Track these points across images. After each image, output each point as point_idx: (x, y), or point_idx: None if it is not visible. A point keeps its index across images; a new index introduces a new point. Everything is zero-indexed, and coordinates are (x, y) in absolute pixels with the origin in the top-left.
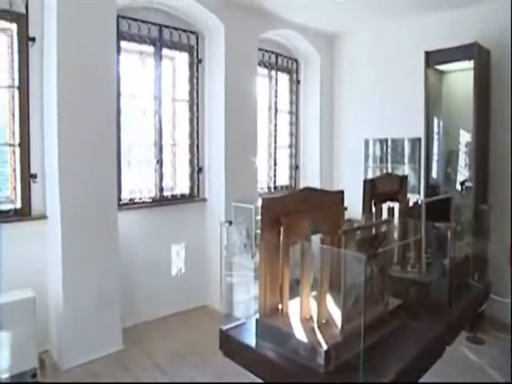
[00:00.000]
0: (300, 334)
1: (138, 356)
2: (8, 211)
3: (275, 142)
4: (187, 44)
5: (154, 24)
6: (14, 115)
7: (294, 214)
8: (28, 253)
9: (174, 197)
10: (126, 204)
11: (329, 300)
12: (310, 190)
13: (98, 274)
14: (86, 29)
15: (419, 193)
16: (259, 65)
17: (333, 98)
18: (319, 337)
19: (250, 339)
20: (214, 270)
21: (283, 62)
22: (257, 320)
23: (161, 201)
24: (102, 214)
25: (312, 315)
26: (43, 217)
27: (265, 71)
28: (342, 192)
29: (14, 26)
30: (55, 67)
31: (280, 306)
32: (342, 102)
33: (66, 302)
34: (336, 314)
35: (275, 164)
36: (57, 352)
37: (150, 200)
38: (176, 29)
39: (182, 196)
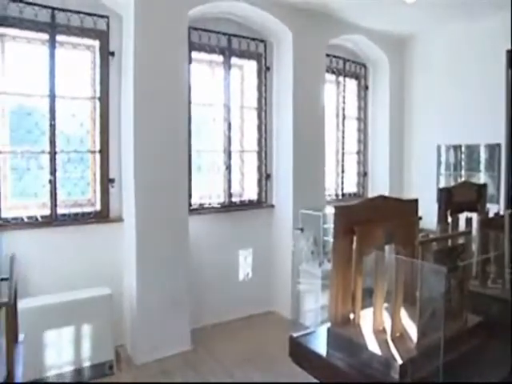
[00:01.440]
0: (373, 346)
1: (205, 357)
2: (89, 213)
3: (343, 149)
4: (255, 52)
5: (224, 34)
6: (95, 124)
7: (368, 222)
8: (106, 253)
9: (242, 203)
10: (196, 209)
11: (402, 313)
12: (383, 198)
13: (169, 276)
14: (159, 42)
15: (498, 202)
16: (327, 71)
17: (403, 102)
18: (393, 350)
19: (321, 348)
20: (280, 277)
21: (351, 68)
22: (328, 329)
23: (229, 206)
24: (174, 218)
25: (385, 327)
26: (120, 219)
27: (332, 77)
28: (416, 200)
29: (96, 43)
30: (132, 79)
31: (352, 316)
32: (412, 107)
33: (140, 300)
34: (411, 327)
35: (343, 171)
36: (131, 347)
37: (219, 205)
38: (245, 37)
39: (250, 202)
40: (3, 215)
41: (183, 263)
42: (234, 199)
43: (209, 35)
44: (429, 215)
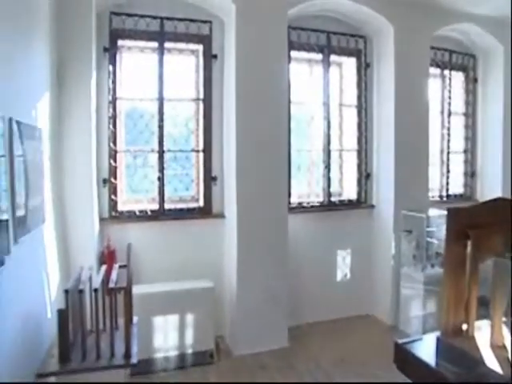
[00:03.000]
0: (492, 363)
1: (302, 356)
2: (193, 209)
3: (448, 147)
4: (355, 49)
5: (322, 31)
6: (198, 124)
7: (485, 226)
8: (208, 247)
9: (341, 202)
10: (295, 208)
11: None
12: (503, 201)
13: (268, 272)
14: (260, 43)
15: None
16: (431, 64)
17: None
18: None
19: (428, 357)
20: (379, 279)
21: (458, 60)
22: (437, 338)
23: (328, 206)
24: (274, 215)
25: (505, 344)
26: (222, 216)
27: (437, 71)
28: None
29: (200, 47)
30: (234, 80)
31: (465, 327)
32: None
33: (239, 295)
34: None
35: (448, 171)
36: (229, 338)
37: (318, 205)
38: (344, 34)
39: (350, 202)
40: (119, 209)
41: (282, 261)
42: (332, 199)
43: (308, 34)
44: None
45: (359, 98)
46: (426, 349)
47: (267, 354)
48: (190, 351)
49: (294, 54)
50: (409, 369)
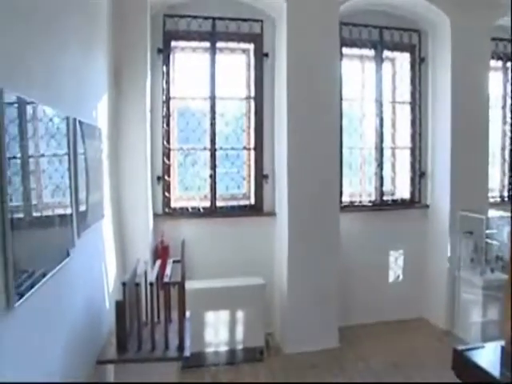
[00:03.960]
0: None
1: (352, 357)
2: (244, 206)
3: (511, 144)
4: (408, 44)
5: (375, 27)
6: (250, 122)
7: None
8: (258, 244)
9: (394, 202)
10: (346, 206)
11: None
12: None
13: (319, 271)
14: (312, 40)
15: None
16: (492, 57)
17: None
18: None
19: (492, 366)
20: (434, 282)
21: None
22: (502, 347)
23: (380, 205)
24: (325, 214)
25: None
26: (273, 213)
27: (498, 64)
28: None
29: (251, 46)
30: (285, 78)
31: None
32: None
33: (290, 293)
34: None
35: (511, 170)
36: (279, 336)
37: (370, 204)
38: (397, 29)
39: (403, 201)
40: (172, 205)
41: (333, 260)
42: (385, 198)
43: (359, 29)
44: None
45: (413, 94)
46: (488, 357)
47: (317, 354)
48: (240, 347)
49: (345, 50)
50: (469, 377)
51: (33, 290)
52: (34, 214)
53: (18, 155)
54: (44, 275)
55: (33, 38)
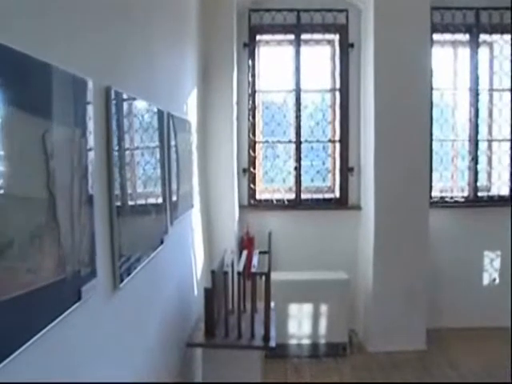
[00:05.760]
0: None
1: (440, 361)
2: (329, 199)
3: None
4: (510, 24)
5: (470, 8)
6: (335, 114)
7: None
8: (343, 238)
9: (489, 198)
10: (437, 202)
11: None
12: None
13: (406, 269)
14: (400, 28)
15: None
16: None
17: None
18: None
19: None
20: None
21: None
22: None
23: (474, 201)
24: (414, 210)
25: None
26: (358, 207)
27: None
28: None
29: (336, 37)
30: (372, 68)
31: None
32: None
33: (375, 290)
34: None
35: None
36: (363, 333)
37: (463, 200)
38: (496, 9)
39: (500, 198)
40: (257, 197)
41: (421, 258)
42: (479, 194)
43: (452, 13)
44: None
45: None
46: None
47: (402, 354)
48: (322, 341)
49: (436, 36)
50: None
51: (132, 274)
52: (132, 203)
53: (128, 146)
54: (141, 260)
55: (131, 35)
